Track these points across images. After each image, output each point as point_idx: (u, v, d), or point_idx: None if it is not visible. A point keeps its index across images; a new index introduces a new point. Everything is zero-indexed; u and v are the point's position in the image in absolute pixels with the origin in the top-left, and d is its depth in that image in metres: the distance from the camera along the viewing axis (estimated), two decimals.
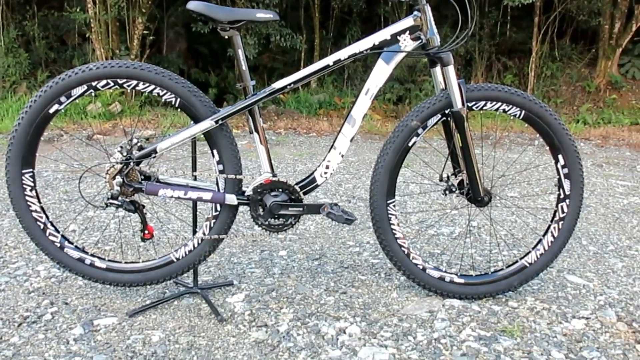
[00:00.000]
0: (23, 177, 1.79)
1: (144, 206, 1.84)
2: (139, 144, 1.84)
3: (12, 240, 2.44)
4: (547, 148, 1.95)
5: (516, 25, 8.22)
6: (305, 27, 8.10)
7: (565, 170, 1.95)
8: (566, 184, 1.96)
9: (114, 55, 7.09)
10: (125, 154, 1.81)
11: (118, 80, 1.76)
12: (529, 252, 2.02)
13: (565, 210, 1.99)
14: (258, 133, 1.86)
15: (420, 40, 1.85)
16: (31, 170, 1.80)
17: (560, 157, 1.94)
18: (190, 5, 1.78)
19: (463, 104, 1.83)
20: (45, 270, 2.11)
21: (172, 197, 1.80)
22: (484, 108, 1.90)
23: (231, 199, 1.83)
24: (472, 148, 1.88)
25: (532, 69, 7.77)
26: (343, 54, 1.84)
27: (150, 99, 7.24)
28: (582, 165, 1.97)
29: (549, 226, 2.02)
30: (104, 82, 1.76)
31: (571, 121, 7.23)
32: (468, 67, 8.44)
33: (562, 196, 1.98)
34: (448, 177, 1.97)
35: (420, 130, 1.89)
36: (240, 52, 1.81)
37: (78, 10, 7.02)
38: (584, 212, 3.16)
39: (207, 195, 1.82)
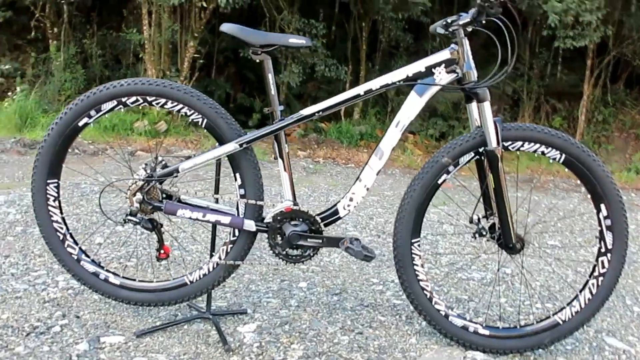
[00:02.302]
0: (48, 187, 1.79)
1: (161, 225, 1.81)
2: (163, 162, 1.82)
3: (39, 248, 2.45)
4: (589, 196, 1.82)
5: (567, 67, 7.99)
6: (351, 58, 8.12)
7: (608, 222, 1.81)
8: (608, 237, 1.82)
9: (165, 76, 7.27)
10: (149, 171, 1.79)
11: (147, 98, 1.76)
12: (564, 307, 1.87)
13: (606, 265, 1.83)
14: (283, 159, 1.81)
15: (456, 74, 1.77)
16: (56, 180, 1.80)
17: (602, 206, 1.80)
18: (224, 28, 1.77)
19: (498, 143, 1.73)
20: (64, 281, 2.10)
21: (190, 218, 1.76)
22: (521, 149, 1.79)
23: (250, 225, 1.78)
24: (506, 190, 1.77)
25: (582, 112, 7.51)
26: (375, 84, 1.78)
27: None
28: (627, 217, 1.82)
29: (587, 281, 1.87)
30: (133, 98, 1.76)
31: (623, 169, 6.91)
32: (515, 108, 8.24)
33: (603, 250, 1.83)
34: (479, 219, 1.86)
35: (451, 168, 1.80)
36: (270, 77, 1.78)
37: (134, 31, 7.27)
38: (630, 267, 2.96)
39: (226, 219, 1.77)
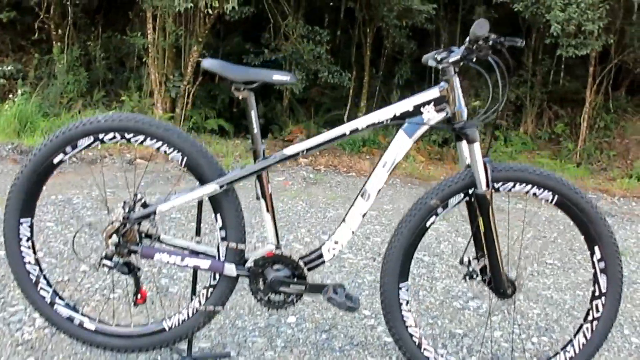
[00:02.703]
0: (20, 226, 1.70)
1: (139, 269, 1.72)
2: (143, 200, 1.73)
3: None
4: (582, 238, 1.72)
5: (570, 74, 7.83)
6: (355, 64, 8.01)
7: (602, 265, 1.71)
8: (602, 280, 1.72)
9: (168, 80, 7.19)
10: (127, 210, 1.70)
11: (125, 135, 1.67)
12: (557, 353, 1.78)
13: (600, 309, 1.74)
14: (265, 200, 1.71)
15: (445, 113, 1.67)
16: (30, 219, 1.71)
17: (596, 249, 1.70)
18: (206, 64, 1.67)
19: (488, 186, 1.63)
20: (41, 319, 2.01)
21: (168, 262, 1.68)
22: (512, 190, 1.69)
23: (230, 270, 1.68)
24: (496, 234, 1.67)
25: (584, 119, 7.36)
26: (361, 122, 1.68)
27: (198, 125, 7.27)
28: (621, 260, 1.72)
29: (581, 326, 1.77)
30: (110, 135, 1.67)
31: (624, 176, 6.77)
32: (518, 114, 8.10)
33: (597, 293, 1.74)
34: (469, 260, 1.77)
35: (440, 210, 1.70)
36: (253, 114, 1.69)
37: (139, 35, 7.18)
38: (630, 289, 2.85)
39: (205, 264, 1.68)
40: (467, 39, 1.58)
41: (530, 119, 7.92)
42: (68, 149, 1.67)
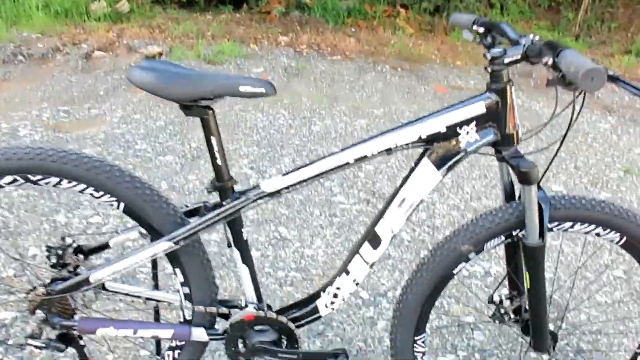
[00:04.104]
0: None
1: (80, 337, 1.29)
2: (74, 245, 1.25)
3: None
4: None
5: None
6: None
7: None
8: None
9: None
10: (55, 261, 1.22)
11: (29, 177, 1.12)
12: None
13: None
14: (240, 249, 1.23)
15: (493, 135, 1.14)
16: None
17: None
18: (135, 77, 1.07)
19: (542, 236, 1.17)
20: None
21: (116, 336, 1.24)
22: (571, 230, 1.23)
23: (200, 335, 1.27)
24: (544, 289, 1.25)
25: None
26: (371, 148, 1.14)
27: None
28: None
29: None
30: (8, 178, 1.12)
31: (624, 51, 6.16)
32: None
33: None
34: (501, 300, 1.37)
35: (472, 255, 1.25)
36: (214, 141, 1.13)
37: None
38: None
39: (167, 333, 1.25)
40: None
41: None
42: None
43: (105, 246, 1.27)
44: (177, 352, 1.32)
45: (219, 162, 1.14)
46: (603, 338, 1.82)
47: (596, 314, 1.96)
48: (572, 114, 1.12)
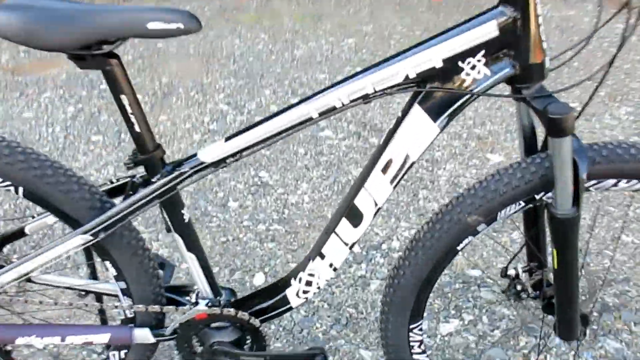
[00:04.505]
0: None
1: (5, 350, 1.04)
2: None
3: None
4: None
5: None
6: None
7: None
8: None
9: None
10: None
11: None
12: None
13: None
14: (183, 234, 0.95)
15: (509, 68, 0.81)
16: None
17: None
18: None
19: (577, 205, 0.87)
20: None
21: (42, 345, 1.00)
22: (611, 189, 0.94)
23: (144, 337, 1.02)
24: (577, 270, 0.97)
25: None
26: (340, 94, 0.83)
27: None
28: None
29: None
30: None
31: None
32: None
33: None
34: (517, 274, 1.10)
35: (482, 227, 0.96)
36: (127, 100, 0.81)
37: None
38: None
39: (103, 337, 1.00)
40: None
41: None
42: None
43: (21, 233, 1.00)
44: (123, 352, 1.08)
45: (137, 128, 0.84)
46: (632, 289, 1.56)
47: (623, 259, 1.69)
48: (627, 23, 0.78)
